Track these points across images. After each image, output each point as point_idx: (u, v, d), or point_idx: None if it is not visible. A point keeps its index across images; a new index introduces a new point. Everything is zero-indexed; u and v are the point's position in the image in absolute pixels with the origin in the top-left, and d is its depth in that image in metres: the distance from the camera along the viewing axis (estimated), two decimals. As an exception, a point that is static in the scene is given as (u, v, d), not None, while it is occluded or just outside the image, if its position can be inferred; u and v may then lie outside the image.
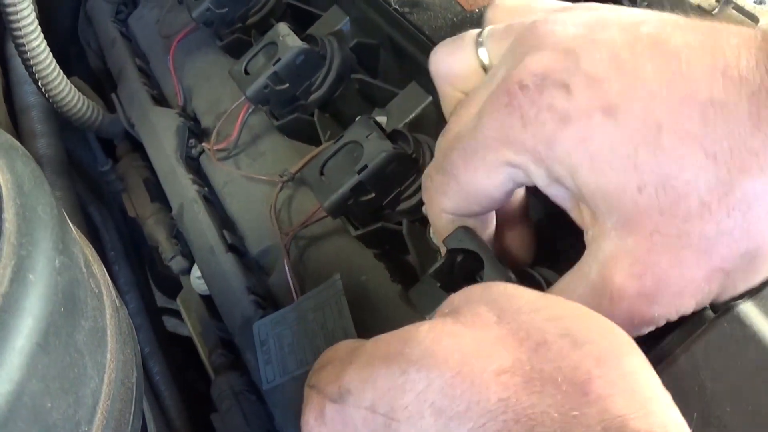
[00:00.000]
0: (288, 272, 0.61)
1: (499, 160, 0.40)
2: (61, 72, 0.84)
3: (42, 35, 0.80)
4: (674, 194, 0.35)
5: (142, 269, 1.00)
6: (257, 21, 0.80)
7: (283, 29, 0.70)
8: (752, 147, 0.34)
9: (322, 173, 0.59)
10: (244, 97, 0.71)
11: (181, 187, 0.74)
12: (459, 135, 0.42)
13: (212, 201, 0.73)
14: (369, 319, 0.57)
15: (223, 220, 0.72)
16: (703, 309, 0.44)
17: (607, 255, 0.38)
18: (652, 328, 0.40)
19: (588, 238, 0.40)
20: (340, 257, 0.63)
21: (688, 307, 0.39)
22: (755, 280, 0.39)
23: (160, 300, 1.05)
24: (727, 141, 0.34)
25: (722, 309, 0.42)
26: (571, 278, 0.41)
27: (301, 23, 0.77)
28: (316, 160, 0.61)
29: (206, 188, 0.75)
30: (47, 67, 0.82)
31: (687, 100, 0.35)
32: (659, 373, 0.41)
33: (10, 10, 0.75)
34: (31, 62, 0.79)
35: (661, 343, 0.44)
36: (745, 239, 0.36)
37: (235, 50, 0.80)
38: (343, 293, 0.55)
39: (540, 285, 0.47)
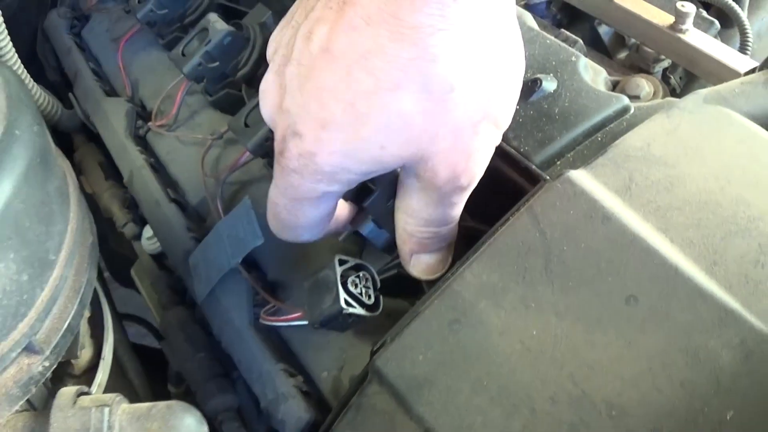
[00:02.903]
0: (218, 209, 0.73)
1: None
2: (24, 69, 0.94)
3: (9, 38, 0.91)
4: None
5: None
6: (194, 20, 0.93)
7: (213, 17, 0.83)
8: None
9: (246, 125, 0.71)
10: (181, 77, 0.84)
11: (130, 158, 0.85)
12: None
13: (158, 169, 0.85)
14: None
15: (167, 182, 0.83)
16: (543, 177, 0.56)
17: None
18: None
19: None
20: (263, 197, 0.74)
21: None
22: None
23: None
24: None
25: (558, 174, 0.55)
26: None
27: (231, 20, 0.90)
28: (241, 114, 0.73)
29: (153, 159, 0.86)
30: (10, 59, 0.93)
31: None
32: (508, 228, 0.53)
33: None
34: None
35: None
36: None
37: (175, 47, 0.93)
38: (251, 206, 0.66)
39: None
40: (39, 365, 0.48)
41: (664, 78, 0.75)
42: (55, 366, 0.49)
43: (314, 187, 0.52)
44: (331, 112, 0.48)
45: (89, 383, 0.57)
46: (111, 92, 0.97)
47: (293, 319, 0.61)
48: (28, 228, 0.45)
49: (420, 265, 0.59)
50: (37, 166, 0.46)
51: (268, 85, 0.54)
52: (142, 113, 0.91)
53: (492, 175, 0.60)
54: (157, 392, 0.84)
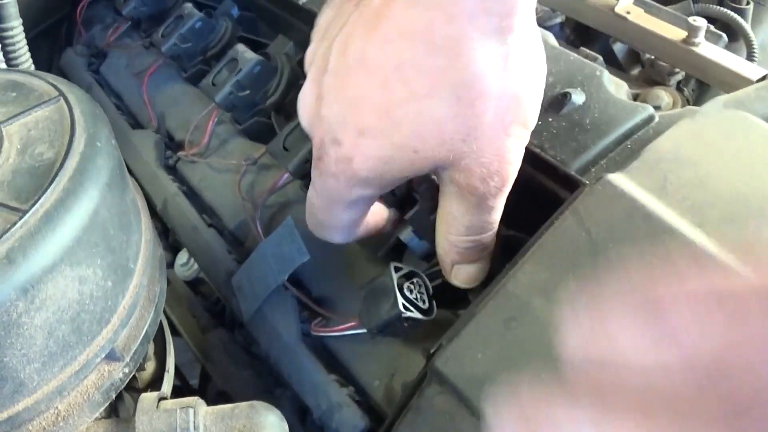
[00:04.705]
0: (259, 231, 0.75)
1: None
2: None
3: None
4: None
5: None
6: (216, 53, 0.96)
7: (241, 47, 0.86)
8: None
9: (285, 148, 0.74)
10: (211, 107, 0.86)
11: (163, 186, 0.87)
12: None
13: (191, 196, 0.87)
14: (321, 256, 0.70)
15: (202, 209, 0.85)
16: (583, 182, 0.59)
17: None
18: None
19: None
20: (301, 219, 0.76)
21: None
22: None
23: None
24: None
25: (596, 178, 0.58)
26: None
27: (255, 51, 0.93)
28: (279, 138, 0.76)
29: (185, 187, 0.88)
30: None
31: None
32: (554, 230, 0.56)
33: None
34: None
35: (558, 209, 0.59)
36: None
37: (199, 80, 0.95)
38: (294, 226, 0.68)
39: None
40: (119, 372, 0.49)
41: (678, 90, 0.79)
42: (133, 373, 0.50)
43: (349, 191, 0.55)
44: (368, 120, 0.51)
45: (153, 396, 0.58)
46: (135, 125, 0.99)
47: (348, 329, 0.63)
48: (112, 236, 0.47)
49: (461, 274, 0.62)
50: (116, 177, 0.48)
51: (305, 94, 0.57)
52: (170, 144, 0.94)
53: (529, 184, 0.63)
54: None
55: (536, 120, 0.57)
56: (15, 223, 0.42)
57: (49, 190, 0.44)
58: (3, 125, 0.50)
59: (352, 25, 0.53)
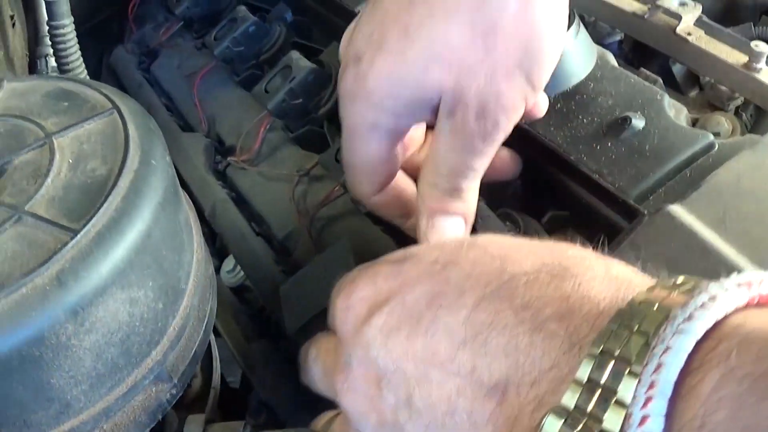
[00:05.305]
0: (309, 242, 0.74)
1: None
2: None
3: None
4: None
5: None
6: (269, 57, 0.95)
7: (295, 54, 0.85)
8: None
9: (337, 160, 0.73)
10: (263, 113, 0.85)
11: (212, 190, 0.86)
12: None
13: (239, 203, 0.86)
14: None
15: (251, 216, 0.84)
16: (642, 212, 0.58)
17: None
18: None
19: None
20: (352, 233, 0.75)
21: None
22: None
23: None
24: None
25: (655, 209, 0.56)
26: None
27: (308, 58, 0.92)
28: (331, 150, 0.74)
29: (234, 193, 0.87)
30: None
31: None
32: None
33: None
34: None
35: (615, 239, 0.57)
36: None
37: (251, 84, 0.94)
38: (350, 248, 0.67)
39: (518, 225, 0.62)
40: (167, 393, 0.49)
41: (736, 115, 0.76)
42: (180, 394, 0.50)
43: (364, 114, 0.57)
44: (388, 37, 0.54)
45: (198, 412, 0.57)
46: (185, 127, 0.99)
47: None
48: (164, 256, 0.46)
49: (437, 227, 0.60)
50: (170, 196, 0.47)
51: (348, 27, 0.62)
52: (219, 149, 0.93)
53: (587, 210, 0.61)
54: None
55: (542, 83, 0.56)
56: (66, 244, 0.41)
57: (101, 210, 0.43)
58: (55, 137, 0.49)
59: None
